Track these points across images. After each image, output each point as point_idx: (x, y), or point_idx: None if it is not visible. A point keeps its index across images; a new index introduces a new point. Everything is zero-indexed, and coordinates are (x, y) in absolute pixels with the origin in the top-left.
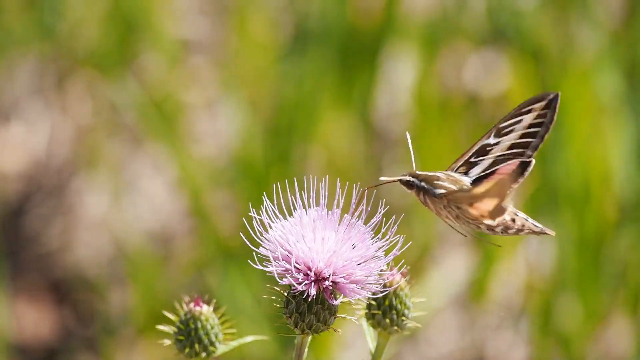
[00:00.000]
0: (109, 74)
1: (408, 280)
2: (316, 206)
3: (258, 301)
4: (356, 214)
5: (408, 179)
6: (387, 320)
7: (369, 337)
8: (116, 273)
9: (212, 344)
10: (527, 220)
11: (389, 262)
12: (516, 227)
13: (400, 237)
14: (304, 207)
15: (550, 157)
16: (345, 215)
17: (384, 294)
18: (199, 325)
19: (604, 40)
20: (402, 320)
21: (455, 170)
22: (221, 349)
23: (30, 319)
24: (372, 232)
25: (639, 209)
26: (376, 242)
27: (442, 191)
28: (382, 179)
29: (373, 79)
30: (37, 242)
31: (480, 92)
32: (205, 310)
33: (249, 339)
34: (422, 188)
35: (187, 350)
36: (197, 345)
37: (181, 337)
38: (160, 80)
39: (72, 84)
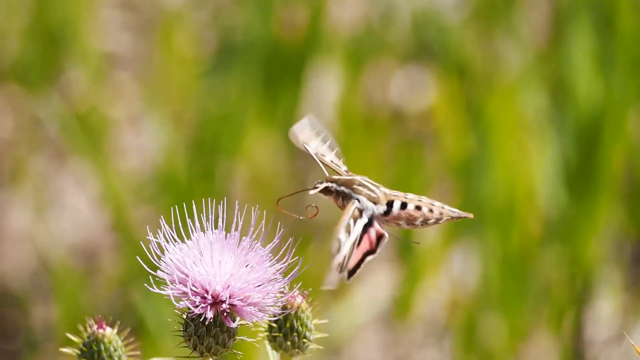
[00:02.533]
0: (32, 88)
1: (310, 302)
2: (215, 229)
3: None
4: (256, 236)
5: (327, 185)
6: (289, 343)
7: (272, 359)
8: (40, 287)
9: None
10: (443, 207)
11: (291, 284)
12: (435, 217)
13: (299, 258)
14: (202, 230)
15: (475, 173)
16: (244, 237)
17: (283, 316)
18: (102, 347)
19: (529, 57)
20: (304, 342)
21: None
22: None
23: None
24: (270, 255)
25: (563, 226)
26: (275, 264)
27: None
28: (310, 192)
29: (298, 94)
30: None
31: (405, 107)
32: (109, 332)
33: None
34: (342, 192)
35: None
36: None
37: None
38: (85, 94)
39: None
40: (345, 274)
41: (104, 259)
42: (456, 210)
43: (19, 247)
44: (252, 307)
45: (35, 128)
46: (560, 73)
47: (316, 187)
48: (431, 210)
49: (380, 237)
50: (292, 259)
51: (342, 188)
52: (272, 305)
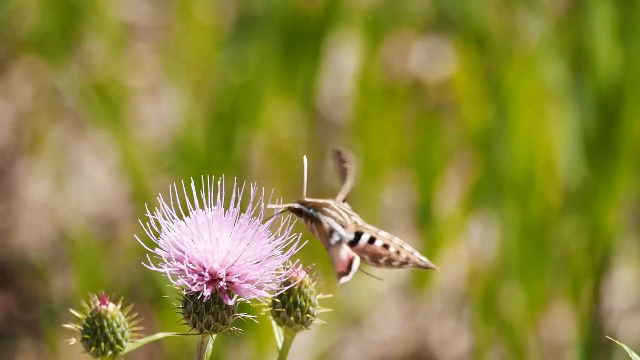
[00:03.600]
0: (52, 58)
1: (313, 277)
2: (213, 205)
3: None
4: (255, 211)
5: (297, 206)
6: (292, 318)
7: (277, 334)
8: (59, 257)
9: (118, 342)
10: (412, 253)
11: (294, 259)
12: (400, 260)
13: (298, 234)
14: (201, 206)
15: (494, 143)
16: (242, 214)
17: (285, 291)
18: (105, 323)
19: (549, 26)
20: (307, 317)
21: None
22: (129, 346)
23: None
24: (269, 232)
25: (582, 195)
26: (273, 241)
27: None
28: (270, 206)
29: (317, 64)
30: None
31: (424, 78)
32: (112, 308)
33: (159, 335)
34: (310, 215)
35: (93, 349)
36: (103, 344)
37: (87, 336)
38: (103, 64)
39: (14, 68)
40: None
41: (122, 228)
42: (425, 259)
43: (38, 217)
44: (250, 285)
45: (54, 98)
46: (580, 42)
47: (290, 207)
48: (398, 252)
49: (351, 260)
50: (292, 235)
51: (311, 211)
52: (270, 282)
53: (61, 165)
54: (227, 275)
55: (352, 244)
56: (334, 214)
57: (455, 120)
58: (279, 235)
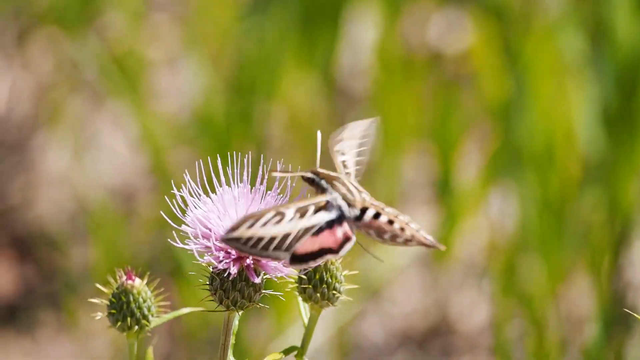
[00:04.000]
0: (71, 30)
1: None
2: (240, 182)
3: None
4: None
5: (309, 176)
6: (318, 295)
7: (303, 311)
8: (78, 229)
9: (144, 317)
10: (417, 231)
11: None
12: (405, 237)
13: None
14: (228, 183)
15: (513, 115)
16: (269, 192)
17: (312, 268)
18: (131, 298)
19: None
20: (333, 294)
21: None
22: (155, 322)
23: None
24: None
25: (602, 168)
26: None
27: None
28: (280, 174)
29: (336, 36)
30: None
31: (443, 49)
32: (138, 283)
33: (185, 310)
34: (321, 186)
35: (119, 323)
36: (129, 319)
37: (113, 311)
38: (123, 36)
39: (33, 40)
40: (287, 255)
41: (141, 201)
42: (430, 238)
43: (57, 189)
44: (276, 262)
45: (73, 70)
46: (600, 13)
47: (302, 176)
48: (402, 230)
49: (347, 239)
50: None
51: (322, 182)
52: None
53: (80, 137)
54: None
55: (358, 219)
56: (343, 189)
57: (474, 92)
58: None
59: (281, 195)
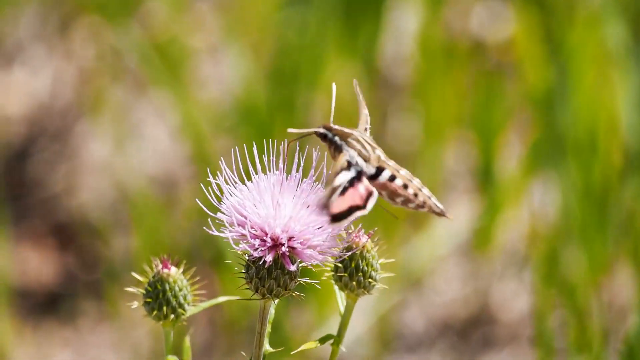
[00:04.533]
0: (113, 19)
1: (376, 242)
2: (276, 170)
3: None
4: (317, 176)
5: (322, 131)
6: (354, 283)
7: (340, 298)
8: (119, 218)
9: (180, 306)
10: (429, 198)
11: (357, 225)
12: (417, 202)
13: None
14: (263, 171)
15: (555, 104)
16: (305, 179)
17: (349, 256)
18: (167, 287)
19: None
20: (369, 282)
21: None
22: (191, 310)
23: (33, 263)
24: None
25: None
26: None
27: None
28: (293, 130)
29: (378, 25)
30: (41, 186)
31: (485, 39)
32: (174, 272)
33: (222, 299)
34: (335, 143)
35: (155, 312)
36: (165, 308)
37: (149, 300)
38: (164, 24)
39: (76, 28)
40: (328, 217)
41: (183, 189)
42: (440, 206)
43: (98, 178)
44: (312, 250)
45: (115, 58)
46: None
47: (316, 131)
48: (416, 195)
49: (370, 193)
50: None
51: (336, 138)
52: (332, 247)
53: (122, 125)
54: (289, 240)
55: (372, 177)
56: (358, 146)
57: (516, 80)
58: None
59: (317, 182)
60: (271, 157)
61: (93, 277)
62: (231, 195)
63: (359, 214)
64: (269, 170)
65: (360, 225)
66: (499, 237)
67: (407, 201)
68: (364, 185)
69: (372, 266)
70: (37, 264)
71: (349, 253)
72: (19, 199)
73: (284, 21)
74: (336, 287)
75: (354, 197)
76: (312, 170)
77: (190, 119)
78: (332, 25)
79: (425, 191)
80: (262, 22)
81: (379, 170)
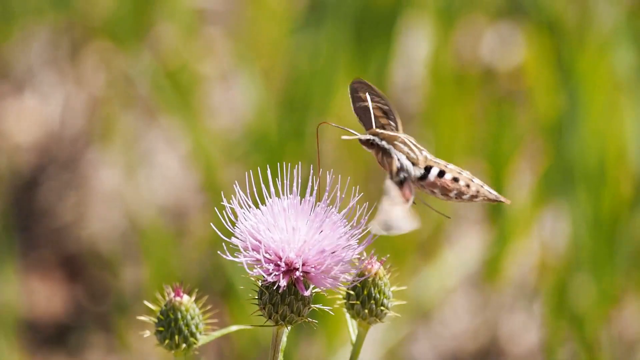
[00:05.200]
0: (124, 45)
1: (388, 269)
2: (289, 194)
3: None
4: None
5: (368, 137)
6: (366, 311)
7: (351, 327)
8: (129, 248)
9: (192, 334)
10: (482, 186)
11: (368, 252)
12: (470, 193)
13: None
14: (277, 195)
15: (565, 132)
16: (319, 203)
17: (359, 283)
18: (179, 315)
19: (621, 13)
20: (382, 309)
21: None
22: (203, 339)
23: (42, 294)
24: (345, 221)
25: None
26: (350, 230)
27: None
28: (343, 137)
29: (389, 52)
30: (50, 215)
31: (496, 65)
32: (186, 300)
33: (233, 328)
34: (382, 148)
35: (167, 341)
36: (177, 337)
37: (161, 328)
38: (175, 51)
39: (87, 54)
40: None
41: (193, 219)
42: (494, 192)
43: (108, 207)
44: (325, 274)
45: (126, 85)
46: None
47: (360, 138)
48: (468, 186)
49: (407, 200)
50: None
51: (384, 143)
52: (346, 273)
53: (132, 154)
54: (303, 265)
55: (422, 178)
56: (405, 149)
57: (527, 108)
58: (354, 224)
59: (331, 206)
60: (285, 181)
61: (102, 308)
62: (245, 219)
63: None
64: (283, 194)
65: (373, 251)
66: (509, 268)
67: (460, 194)
68: (407, 190)
69: (384, 294)
70: (45, 296)
71: (362, 279)
72: (28, 229)
73: (294, 47)
74: (348, 315)
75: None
76: (326, 194)
77: (200, 146)
78: (343, 51)
79: (477, 180)
80: (272, 48)
81: (427, 169)
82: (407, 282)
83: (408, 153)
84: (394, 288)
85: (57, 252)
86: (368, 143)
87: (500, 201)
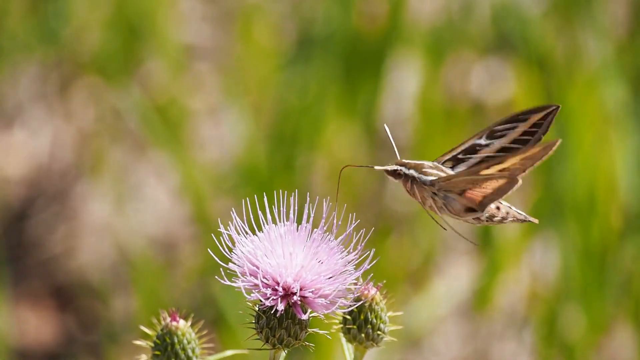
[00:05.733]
0: (113, 80)
1: (384, 294)
2: (286, 220)
3: None
4: (328, 227)
5: (395, 168)
6: (363, 335)
7: (347, 351)
8: (119, 279)
9: (189, 358)
10: (510, 208)
11: (364, 276)
12: (501, 215)
13: (370, 250)
14: (274, 222)
15: (555, 166)
16: (315, 229)
17: (356, 307)
18: (175, 340)
19: (609, 48)
20: (378, 334)
21: (442, 164)
22: None
23: (32, 324)
24: (342, 247)
25: None
26: (346, 256)
27: (434, 178)
28: (377, 168)
29: (378, 86)
30: (40, 247)
31: (485, 99)
32: (182, 325)
33: (229, 352)
34: (412, 176)
35: None
36: None
37: (157, 353)
38: (164, 86)
39: (76, 89)
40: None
41: (183, 250)
42: (522, 213)
43: (98, 239)
44: (323, 299)
45: (115, 119)
46: None
47: (387, 169)
48: (498, 208)
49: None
50: (365, 250)
51: (412, 171)
52: (343, 297)
53: (122, 186)
54: (300, 289)
55: None
56: (435, 171)
57: None
58: (351, 250)
59: (327, 233)
60: (281, 208)
61: (93, 338)
62: (243, 245)
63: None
64: (279, 221)
65: (370, 276)
66: (499, 297)
67: (491, 217)
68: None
69: (380, 318)
70: (36, 325)
71: (358, 304)
72: (18, 260)
73: (283, 82)
74: (344, 340)
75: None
76: (322, 221)
77: (190, 180)
78: (332, 86)
79: (505, 203)
80: (261, 83)
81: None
82: (398, 311)
83: (438, 174)
84: (390, 313)
85: (48, 283)
86: (395, 174)
87: (530, 221)
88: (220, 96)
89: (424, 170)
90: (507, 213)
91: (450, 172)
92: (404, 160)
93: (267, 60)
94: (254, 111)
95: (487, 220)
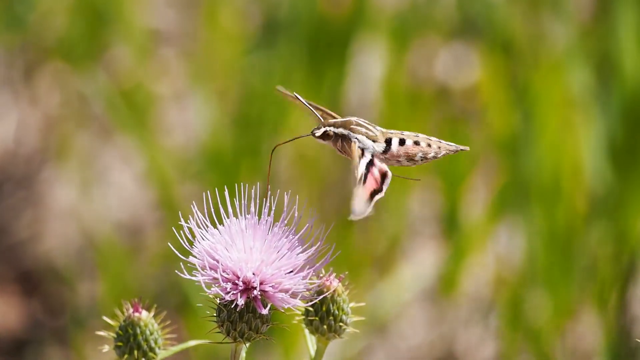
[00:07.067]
0: (78, 65)
1: (347, 286)
2: (247, 214)
3: None
4: (289, 220)
5: (325, 129)
6: (325, 327)
7: (310, 343)
8: (85, 264)
9: (151, 349)
10: (440, 142)
11: (328, 266)
12: (433, 151)
13: (331, 244)
14: (235, 215)
15: (520, 150)
16: (276, 223)
17: (319, 299)
18: (138, 331)
19: (575, 33)
20: (340, 325)
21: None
22: (161, 354)
23: None
24: (303, 241)
25: (608, 202)
26: (306, 250)
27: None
28: (303, 136)
29: (343, 71)
30: (6, 232)
31: (450, 84)
32: (145, 315)
33: (192, 343)
34: (341, 134)
35: (126, 356)
36: (136, 352)
37: (120, 344)
38: (130, 71)
39: (41, 74)
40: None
41: (149, 236)
42: (453, 144)
43: (64, 224)
44: (283, 294)
45: (80, 104)
46: (606, 49)
47: (314, 133)
48: (429, 145)
49: (384, 175)
50: (327, 243)
51: (340, 130)
52: (304, 291)
53: (87, 172)
54: (260, 284)
55: (385, 151)
56: (362, 129)
57: (481, 126)
58: (312, 244)
59: (288, 226)
60: (242, 201)
61: (59, 323)
62: (203, 239)
63: (377, 197)
64: (240, 214)
65: (332, 269)
66: (464, 282)
67: (425, 155)
68: (378, 167)
69: (343, 310)
70: (2, 311)
71: (321, 297)
72: None
73: (249, 67)
74: (306, 331)
75: (371, 182)
76: (284, 214)
77: (156, 165)
78: (297, 70)
79: (434, 139)
80: (227, 68)
81: (388, 142)
82: (364, 297)
83: (366, 132)
84: (352, 304)
85: (13, 268)
86: (324, 135)
87: (462, 149)
88: (186, 81)
89: (351, 127)
90: (439, 147)
91: (375, 127)
92: (330, 121)
93: (233, 45)
94: (220, 96)
95: (421, 160)
